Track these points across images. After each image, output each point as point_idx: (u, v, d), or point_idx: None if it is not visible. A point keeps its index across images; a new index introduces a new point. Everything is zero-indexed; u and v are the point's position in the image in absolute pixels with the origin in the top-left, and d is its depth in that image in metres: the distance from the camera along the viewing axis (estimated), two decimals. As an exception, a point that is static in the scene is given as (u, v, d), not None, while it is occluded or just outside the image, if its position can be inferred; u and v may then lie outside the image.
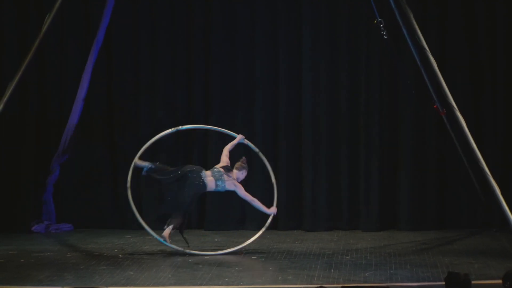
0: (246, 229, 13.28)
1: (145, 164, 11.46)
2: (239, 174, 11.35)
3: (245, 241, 11.73)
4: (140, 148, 13.57)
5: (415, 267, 10.39)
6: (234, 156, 11.60)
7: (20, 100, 13.41)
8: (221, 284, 9.58)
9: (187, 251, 11.26)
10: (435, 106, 12.26)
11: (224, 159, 11.48)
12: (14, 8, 13.51)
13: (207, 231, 13.27)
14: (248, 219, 13.39)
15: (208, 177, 11.27)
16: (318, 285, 8.72)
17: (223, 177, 11.28)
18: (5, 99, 11.06)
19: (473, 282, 6.81)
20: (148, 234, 11.40)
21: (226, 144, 11.70)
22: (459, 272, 6.80)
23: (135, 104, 13.68)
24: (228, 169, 11.33)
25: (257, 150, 11.68)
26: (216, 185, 11.27)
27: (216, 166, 11.39)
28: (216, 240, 12.56)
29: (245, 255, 11.32)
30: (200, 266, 10.59)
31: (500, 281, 7.14)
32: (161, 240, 11.22)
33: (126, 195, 13.54)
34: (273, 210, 11.41)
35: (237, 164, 11.37)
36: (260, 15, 13.52)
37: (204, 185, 11.25)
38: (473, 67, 13.31)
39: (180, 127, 11.73)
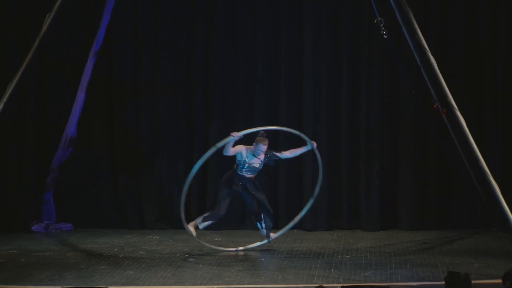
0: (246, 229, 13.30)
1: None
2: (256, 149, 11.29)
3: (245, 241, 11.72)
4: (139, 148, 13.67)
5: (415, 267, 10.39)
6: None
7: (21, 99, 13.41)
8: (221, 284, 9.58)
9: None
10: (435, 105, 12.26)
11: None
12: (14, 7, 13.51)
13: (207, 230, 13.26)
14: (248, 219, 13.39)
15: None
16: (318, 285, 8.72)
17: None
18: (5, 98, 11.04)
19: (473, 281, 6.83)
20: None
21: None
22: (459, 271, 6.82)
23: (135, 103, 13.68)
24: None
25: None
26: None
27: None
28: (216, 239, 12.56)
29: (245, 255, 11.32)
30: (200, 265, 10.60)
31: (500, 281, 7.17)
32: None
33: (127, 196, 13.68)
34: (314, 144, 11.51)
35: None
36: (262, 14, 13.52)
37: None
38: (473, 67, 13.30)
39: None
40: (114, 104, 13.69)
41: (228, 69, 13.58)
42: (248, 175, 11.39)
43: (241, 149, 11.32)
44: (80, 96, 13.06)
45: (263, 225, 11.48)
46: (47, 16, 11.51)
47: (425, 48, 10.99)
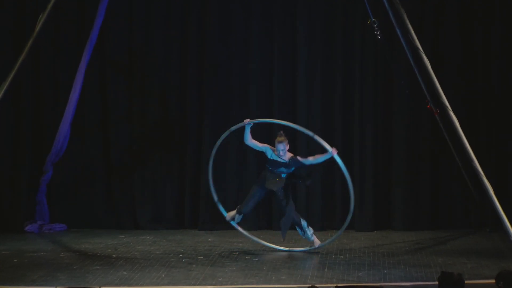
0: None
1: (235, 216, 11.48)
2: (278, 148, 11.21)
3: (238, 241, 11.72)
4: (132, 148, 13.66)
5: (409, 267, 10.39)
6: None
7: (14, 100, 13.38)
8: (215, 284, 9.58)
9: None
10: (428, 106, 12.27)
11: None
12: (8, 7, 13.48)
13: (201, 231, 13.27)
14: (241, 219, 13.36)
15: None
16: (310, 285, 8.71)
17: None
18: (-2, 99, 11.05)
19: (466, 282, 6.82)
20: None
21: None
22: (453, 272, 6.81)
23: (128, 103, 13.66)
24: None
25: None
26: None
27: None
28: (209, 240, 12.55)
29: (238, 255, 11.31)
30: (194, 266, 10.59)
31: (493, 281, 7.15)
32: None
33: (121, 196, 13.65)
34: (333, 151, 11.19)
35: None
36: (256, 13, 13.51)
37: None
38: (467, 67, 13.32)
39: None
40: (107, 104, 13.66)
41: (222, 68, 13.57)
42: (275, 179, 11.30)
43: (266, 147, 11.28)
44: (74, 96, 13.03)
45: (304, 231, 11.42)
46: (40, 16, 11.50)
47: (419, 48, 11.01)
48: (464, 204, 13.29)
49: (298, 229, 11.46)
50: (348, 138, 13.47)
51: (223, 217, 13.36)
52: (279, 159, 11.24)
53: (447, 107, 10.81)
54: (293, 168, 11.29)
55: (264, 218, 13.38)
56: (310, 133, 11.35)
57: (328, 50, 13.46)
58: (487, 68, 13.28)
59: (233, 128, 11.41)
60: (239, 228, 11.77)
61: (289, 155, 11.26)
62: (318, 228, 13.35)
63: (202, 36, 13.54)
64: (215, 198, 11.80)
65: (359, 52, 13.38)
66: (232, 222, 11.59)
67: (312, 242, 11.47)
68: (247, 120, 11.27)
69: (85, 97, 13.30)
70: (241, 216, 11.47)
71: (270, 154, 11.28)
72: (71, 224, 13.54)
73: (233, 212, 11.52)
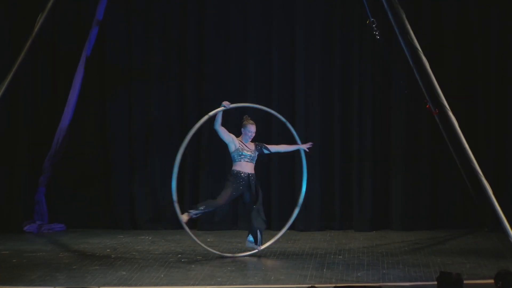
0: (238, 229, 13.29)
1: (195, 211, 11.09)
2: (244, 134, 11.19)
3: (237, 241, 11.71)
4: (131, 148, 13.67)
5: (408, 267, 10.40)
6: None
7: (13, 100, 13.38)
8: (214, 284, 9.58)
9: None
10: (427, 106, 12.28)
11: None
12: (6, 7, 13.48)
13: (200, 231, 13.27)
14: (241, 219, 13.38)
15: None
16: (310, 285, 8.71)
17: (247, 153, 11.18)
18: (-3, 98, 11.04)
19: (465, 281, 6.83)
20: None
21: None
22: (451, 271, 6.81)
23: (127, 103, 13.67)
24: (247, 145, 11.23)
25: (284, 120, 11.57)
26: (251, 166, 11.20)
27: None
28: (208, 240, 12.54)
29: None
30: (193, 266, 10.59)
31: (492, 281, 7.16)
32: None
33: (119, 196, 13.66)
34: (306, 145, 11.42)
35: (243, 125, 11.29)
36: (254, 14, 13.52)
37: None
38: (466, 67, 13.32)
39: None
40: (106, 104, 13.67)
41: (221, 69, 13.58)
42: (248, 165, 11.17)
43: (232, 138, 11.12)
44: (73, 96, 13.04)
45: (257, 238, 11.26)
46: (39, 15, 11.49)
47: (417, 49, 11.01)
48: (463, 204, 13.30)
49: (251, 237, 11.20)
50: (346, 138, 13.47)
51: (222, 217, 13.43)
52: (245, 146, 11.19)
53: (446, 107, 10.80)
54: (257, 154, 11.22)
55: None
56: (283, 119, 11.51)
57: (327, 50, 13.46)
58: (487, 68, 13.28)
59: (211, 113, 11.03)
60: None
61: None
62: (317, 228, 13.37)
63: (201, 36, 13.55)
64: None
65: (358, 52, 13.39)
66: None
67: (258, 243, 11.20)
68: (226, 103, 11.07)
69: (84, 97, 13.31)
70: (209, 209, 11.17)
71: (237, 143, 11.17)
72: (70, 224, 13.55)
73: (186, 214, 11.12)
